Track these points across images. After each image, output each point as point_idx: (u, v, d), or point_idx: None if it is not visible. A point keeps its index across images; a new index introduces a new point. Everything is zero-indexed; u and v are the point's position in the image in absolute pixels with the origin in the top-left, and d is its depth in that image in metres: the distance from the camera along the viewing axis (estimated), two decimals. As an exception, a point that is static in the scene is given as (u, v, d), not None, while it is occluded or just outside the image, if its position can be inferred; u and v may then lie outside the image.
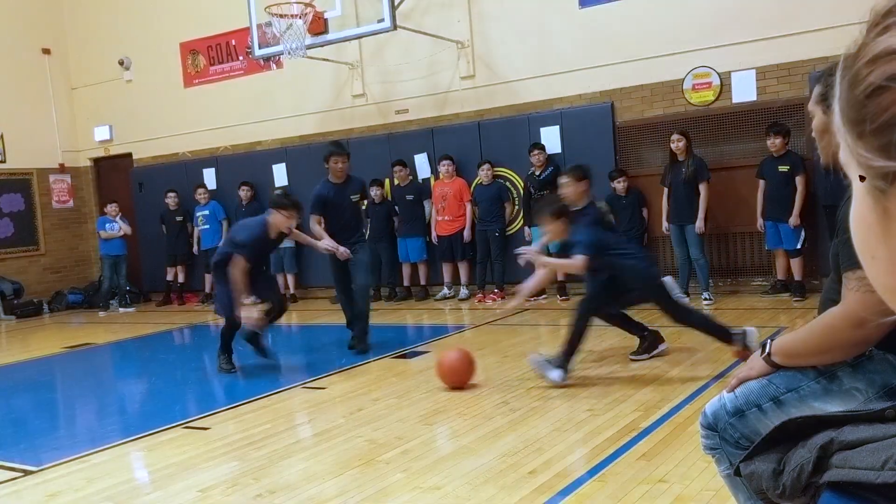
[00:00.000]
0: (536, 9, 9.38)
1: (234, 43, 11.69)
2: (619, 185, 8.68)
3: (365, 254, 6.88)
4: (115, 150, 13.19)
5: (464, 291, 9.79)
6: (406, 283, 10.28)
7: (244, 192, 11.13)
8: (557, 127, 9.33)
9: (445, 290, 9.92)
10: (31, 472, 4.29)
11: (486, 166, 9.48)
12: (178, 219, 11.81)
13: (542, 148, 9.07)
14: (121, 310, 11.85)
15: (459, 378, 5.39)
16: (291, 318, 9.92)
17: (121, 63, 12.71)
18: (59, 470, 4.31)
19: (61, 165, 13.30)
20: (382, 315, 9.21)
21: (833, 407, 2.04)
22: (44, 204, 13.05)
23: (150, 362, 8.06)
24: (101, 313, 11.80)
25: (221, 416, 5.22)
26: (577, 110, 9.28)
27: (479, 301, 9.42)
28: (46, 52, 13.06)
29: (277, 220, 6.33)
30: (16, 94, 12.62)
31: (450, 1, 9.88)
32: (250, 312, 6.07)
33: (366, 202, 8.11)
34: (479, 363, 6.21)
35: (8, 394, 6.88)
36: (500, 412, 4.72)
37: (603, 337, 6.94)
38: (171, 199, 11.76)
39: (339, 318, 9.17)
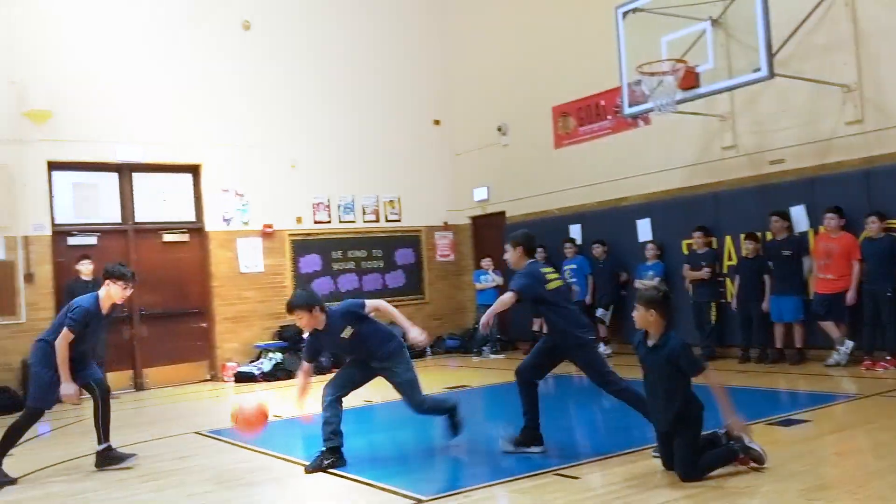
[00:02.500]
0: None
1: (602, 103, 12.07)
2: None
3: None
4: (490, 209, 14.28)
5: (837, 357, 8.85)
6: (779, 344, 9.59)
7: (597, 250, 11.40)
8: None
9: (836, 356, 8.91)
10: (423, 502, 4.72)
11: (873, 218, 8.55)
12: (545, 272, 12.38)
13: (949, 198, 7.95)
14: (491, 356, 12.67)
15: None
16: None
17: (499, 129, 13.80)
18: (443, 503, 4.68)
19: (445, 223, 14.73)
20: (752, 378, 8.69)
21: None
22: (429, 258, 14.53)
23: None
24: (475, 358, 12.73)
25: (591, 466, 5.28)
26: None
27: (867, 368, 8.45)
28: (437, 123, 14.67)
29: (112, 291, 6.06)
30: (410, 162, 14.32)
31: (834, 45, 9.20)
32: (68, 389, 5.84)
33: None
34: (871, 439, 5.59)
35: (397, 427, 7.67)
36: (900, 496, 4.16)
37: None
38: (538, 254, 12.35)
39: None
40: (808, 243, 9.37)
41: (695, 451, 4.70)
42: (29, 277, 10.73)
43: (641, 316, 4.86)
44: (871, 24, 8.97)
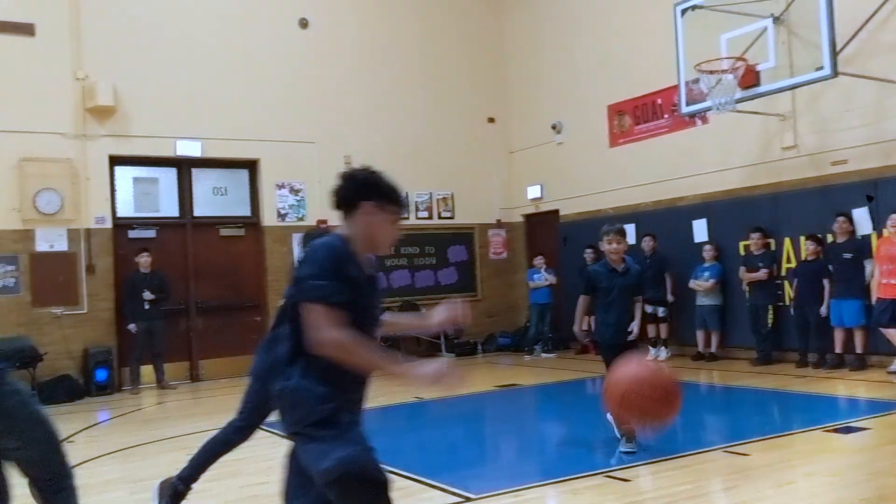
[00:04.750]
0: None
1: (659, 102, 11.90)
2: None
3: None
4: (544, 207, 14.19)
5: None
6: (838, 349, 9.35)
7: (647, 244, 11.25)
8: None
9: None
10: (471, 500, 4.73)
11: (940, 222, 8.28)
12: (596, 272, 12.29)
13: None
14: (543, 355, 12.61)
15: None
16: (712, 378, 9.65)
17: (554, 127, 13.71)
18: (492, 501, 4.68)
19: (498, 221, 14.69)
20: (810, 384, 8.50)
21: None
22: (482, 255, 14.51)
23: (572, 407, 8.43)
24: (527, 357, 12.68)
25: (640, 469, 5.24)
26: None
27: (934, 377, 8.20)
28: (491, 120, 14.62)
29: None
30: (464, 159, 14.30)
31: (901, 41, 8.93)
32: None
33: None
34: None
35: (448, 424, 7.71)
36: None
37: None
38: (588, 255, 12.32)
39: (763, 381, 8.68)
40: (871, 246, 9.11)
41: None
42: (91, 269, 11.03)
43: (624, 247, 5.94)
44: (941, 21, 8.68)
